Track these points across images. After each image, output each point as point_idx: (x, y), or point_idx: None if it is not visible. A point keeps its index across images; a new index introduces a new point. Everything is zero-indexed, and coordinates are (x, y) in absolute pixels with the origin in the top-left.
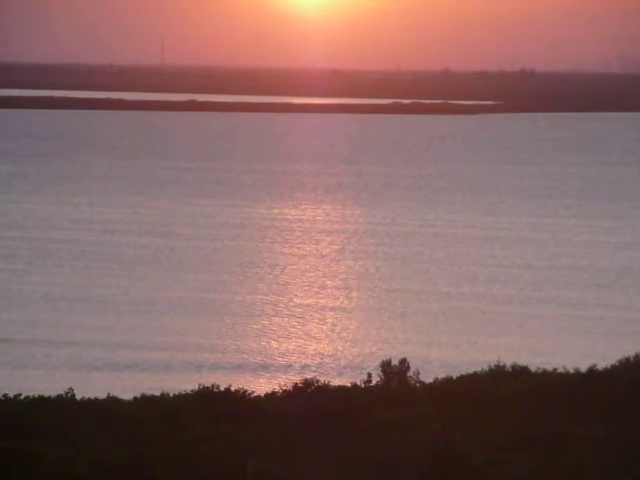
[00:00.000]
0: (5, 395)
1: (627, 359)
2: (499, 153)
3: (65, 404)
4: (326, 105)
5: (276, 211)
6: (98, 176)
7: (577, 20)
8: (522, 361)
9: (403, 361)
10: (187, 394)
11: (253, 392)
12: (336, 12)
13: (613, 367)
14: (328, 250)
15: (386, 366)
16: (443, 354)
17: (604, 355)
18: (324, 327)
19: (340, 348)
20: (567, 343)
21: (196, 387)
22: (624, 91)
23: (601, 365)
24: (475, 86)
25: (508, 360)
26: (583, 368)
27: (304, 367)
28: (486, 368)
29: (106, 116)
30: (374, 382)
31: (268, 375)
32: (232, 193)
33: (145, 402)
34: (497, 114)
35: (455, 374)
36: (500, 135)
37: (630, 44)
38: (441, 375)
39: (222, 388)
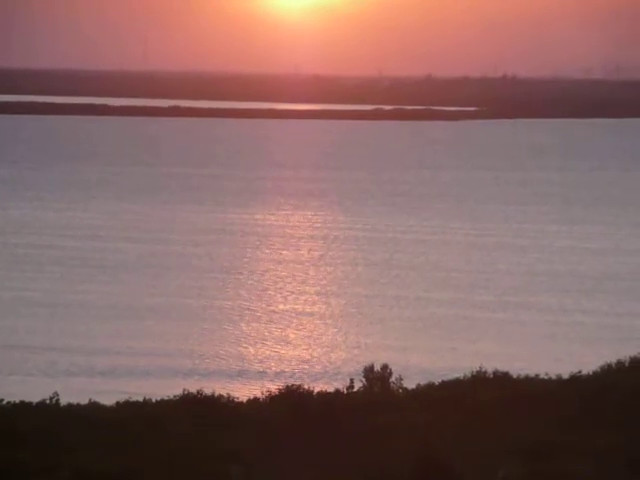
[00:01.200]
0: None
1: (609, 365)
2: (480, 159)
3: (48, 410)
4: (308, 111)
5: (258, 217)
6: (79, 182)
7: (560, 26)
8: (502, 367)
9: (385, 367)
10: (170, 400)
11: (236, 398)
12: (318, 17)
13: (595, 373)
14: (308, 256)
15: (368, 372)
16: (423, 360)
17: (584, 361)
18: (304, 333)
19: (321, 354)
20: (547, 349)
21: (179, 392)
22: (607, 97)
23: (583, 371)
24: (457, 92)
25: (489, 366)
26: (564, 374)
27: (286, 373)
28: (468, 374)
29: (89, 121)
30: (356, 388)
31: (250, 381)
32: (214, 199)
33: (128, 407)
34: (479, 120)
35: (437, 380)
36: (482, 141)
37: (613, 51)
38: (423, 381)
39: (206, 394)
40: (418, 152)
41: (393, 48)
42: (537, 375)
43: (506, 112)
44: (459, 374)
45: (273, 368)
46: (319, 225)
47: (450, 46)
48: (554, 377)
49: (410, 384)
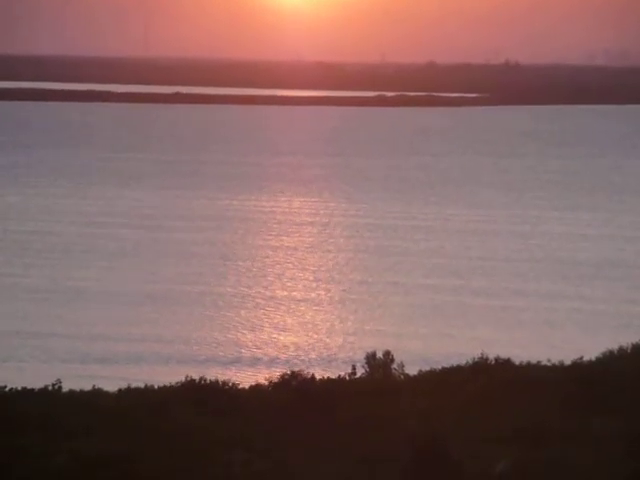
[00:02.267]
0: None
1: (611, 351)
2: (481, 146)
3: (50, 396)
4: (311, 97)
5: (257, 203)
6: (78, 168)
7: (562, 12)
8: (503, 353)
9: (387, 353)
10: (172, 386)
11: (239, 384)
12: (321, 4)
13: (597, 359)
14: (308, 242)
15: (370, 358)
16: (423, 346)
17: (585, 348)
18: (304, 319)
19: (321, 340)
20: (546, 335)
21: (180, 379)
22: (609, 84)
23: (584, 358)
24: (460, 78)
25: (489, 352)
26: (564, 360)
27: (287, 359)
28: (470, 360)
29: (90, 108)
30: (358, 374)
31: (251, 367)
32: (214, 185)
33: (130, 394)
34: (481, 106)
35: (437, 367)
36: (483, 127)
37: (615, 37)
38: (423, 367)
39: (208, 380)
40: (420, 138)
41: (396, 35)
42: (539, 362)
43: (508, 98)
44: (460, 360)
45: (274, 354)
46: (319, 212)
47: (452, 33)
48: (556, 363)
49: (411, 370)
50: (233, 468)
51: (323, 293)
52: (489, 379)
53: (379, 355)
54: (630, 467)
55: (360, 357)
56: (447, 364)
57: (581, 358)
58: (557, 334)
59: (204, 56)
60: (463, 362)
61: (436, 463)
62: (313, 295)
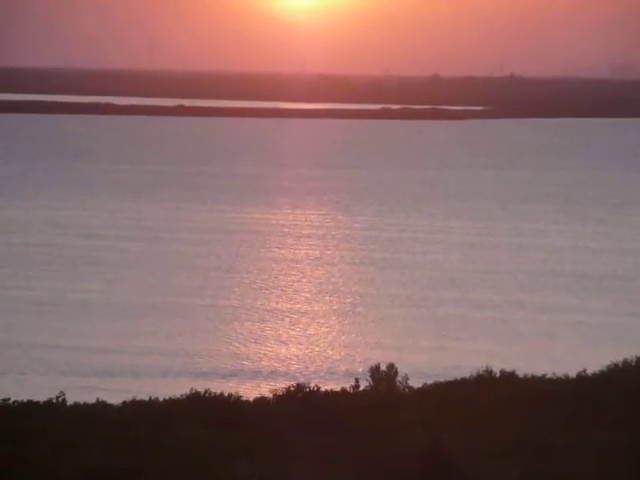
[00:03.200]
0: None
1: (616, 365)
2: (484, 158)
3: (54, 408)
4: (314, 110)
5: (259, 215)
6: (81, 180)
7: (567, 25)
8: (506, 366)
9: (391, 366)
10: (177, 399)
11: (244, 397)
12: (325, 16)
13: (602, 373)
14: (309, 255)
15: (374, 371)
16: (426, 359)
17: (587, 361)
18: (307, 332)
19: (324, 353)
20: (548, 348)
21: (185, 392)
22: (613, 97)
23: (588, 371)
24: (464, 91)
25: (492, 365)
26: (568, 373)
27: (290, 372)
28: (474, 373)
29: (94, 120)
30: (362, 387)
31: (253, 380)
32: (216, 197)
33: (135, 407)
34: (486, 119)
35: (440, 379)
36: (487, 140)
37: (621, 50)
38: (425, 380)
39: (213, 393)
40: (422, 151)
41: (400, 47)
42: (543, 375)
43: (512, 111)
44: (463, 373)
45: (277, 367)
46: (321, 224)
47: (457, 46)
48: (561, 377)
49: (415, 383)
50: None
51: (325, 306)
52: (494, 392)
53: (383, 368)
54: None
55: (363, 370)
56: (450, 377)
57: (585, 371)
58: (559, 347)
59: (208, 69)
60: (467, 375)
61: (442, 474)
62: (316, 308)
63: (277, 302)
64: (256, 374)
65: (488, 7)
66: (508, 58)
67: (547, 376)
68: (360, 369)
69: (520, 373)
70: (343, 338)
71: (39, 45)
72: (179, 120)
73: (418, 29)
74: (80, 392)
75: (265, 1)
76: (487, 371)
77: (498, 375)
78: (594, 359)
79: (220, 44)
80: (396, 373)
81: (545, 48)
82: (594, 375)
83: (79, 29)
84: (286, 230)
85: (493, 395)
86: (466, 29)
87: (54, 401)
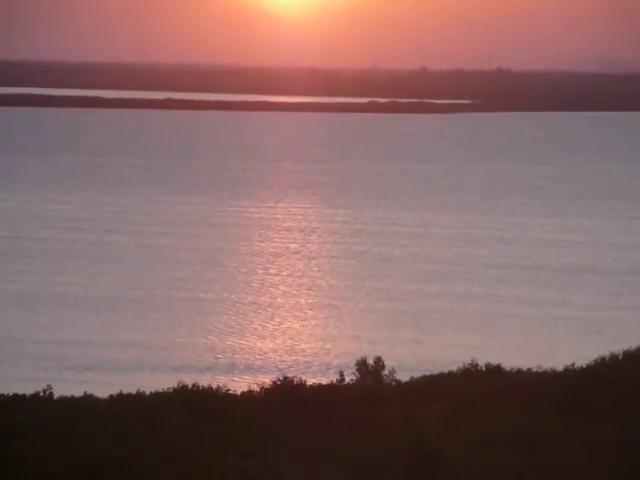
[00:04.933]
0: None
1: (602, 358)
2: (469, 152)
3: (42, 402)
4: (302, 103)
5: (243, 209)
6: (66, 173)
7: (553, 19)
8: (491, 360)
9: (378, 360)
10: (165, 392)
11: (231, 390)
12: (314, 10)
13: (589, 366)
14: (295, 248)
15: (362, 365)
16: (408, 352)
17: (568, 354)
18: (292, 325)
19: (309, 347)
20: (532, 341)
21: (172, 385)
22: (600, 90)
23: (575, 365)
24: (452, 85)
25: (477, 358)
26: (552, 366)
27: (276, 365)
28: (460, 367)
29: (81, 113)
30: (348, 380)
31: (240, 374)
32: (200, 191)
33: (123, 400)
34: (473, 113)
35: (424, 373)
36: (474, 134)
37: (607, 43)
38: (412, 373)
39: (201, 386)
40: (410, 145)
41: (388, 41)
42: (529, 368)
43: (500, 105)
44: (446, 367)
45: (262, 360)
46: (303, 217)
47: (444, 39)
48: (547, 370)
49: (400, 377)
50: (226, 472)
51: (310, 299)
52: (480, 386)
53: (370, 361)
54: (624, 473)
55: (345, 362)
56: (435, 370)
57: (572, 365)
58: (541, 340)
59: (198, 62)
60: (452, 368)
61: (428, 467)
62: (300, 301)
63: (259, 296)
64: (240, 367)
65: (475, 0)
66: (496, 51)
67: (533, 369)
68: (341, 362)
69: (506, 366)
70: (324, 331)
71: (24, 38)
72: (167, 113)
73: (406, 22)
74: (67, 385)
75: None
76: (473, 365)
77: (484, 369)
78: (574, 352)
79: (209, 37)
80: (383, 367)
81: (532, 41)
82: (581, 369)
83: (66, 22)
84: (268, 223)
85: (478, 388)
86: (454, 22)
87: (41, 394)
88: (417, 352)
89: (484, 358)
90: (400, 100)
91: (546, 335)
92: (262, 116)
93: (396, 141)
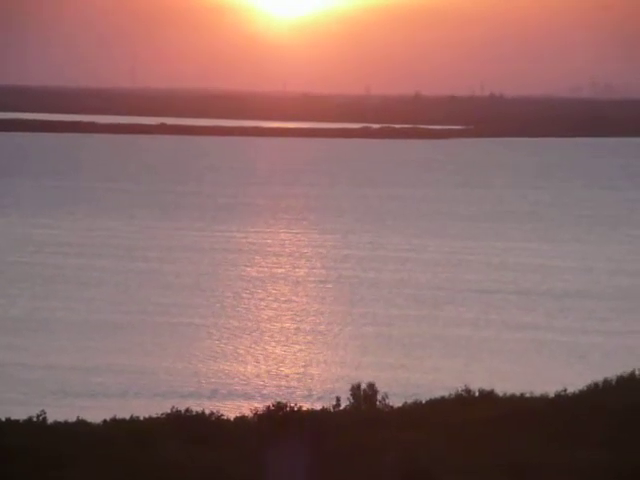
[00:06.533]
0: None
1: (596, 384)
2: (460, 177)
3: (35, 427)
4: (296, 129)
5: (231, 234)
6: (57, 198)
7: (548, 45)
8: (481, 384)
9: (371, 385)
10: (158, 417)
11: (224, 415)
12: (307, 35)
13: (582, 392)
14: (282, 273)
15: (355, 390)
16: (396, 378)
17: (564, 380)
18: (282, 351)
19: (301, 372)
20: (523, 368)
21: (166, 410)
22: (594, 116)
23: (568, 390)
24: (445, 110)
25: (468, 383)
26: (545, 392)
27: (268, 391)
28: (453, 393)
29: (75, 139)
30: (343, 406)
31: (231, 399)
32: (190, 216)
33: (117, 425)
34: (466, 139)
35: (412, 397)
36: (465, 160)
37: (601, 69)
38: (401, 399)
39: (194, 412)
40: (401, 170)
41: (381, 66)
42: (522, 394)
43: (493, 131)
44: (435, 392)
45: (244, 385)
46: (294, 242)
47: (437, 65)
48: (538, 396)
49: (393, 402)
50: None
51: (299, 325)
52: (474, 412)
53: (363, 387)
54: None
55: (341, 388)
56: (421, 395)
57: (565, 390)
58: (534, 365)
59: (190, 87)
60: (440, 393)
61: None
62: (290, 326)
63: (246, 321)
64: (233, 393)
65: (469, 27)
66: (489, 77)
67: (525, 395)
68: (340, 387)
69: (499, 392)
70: (309, 356)
71: (19, 63)
72: (161, 138)
73: (399, 48)
74: (58, 410)
75: (247, 21)
76: (466, 390)
77: (477, 394)
78: (561, 377)
79: (202, 63)
80: (376, 392)
81: (526, 68)
82: (574, 395)
83: (60, 48)
84: (256, 248)
85: (472, 414)
86: (447, 48)
87: (34, 419)
88: (403, 377)
89: (472, 383)
90: (393, 125)
91: (533, 360)
92: (255, 141)
93: (387, 166)
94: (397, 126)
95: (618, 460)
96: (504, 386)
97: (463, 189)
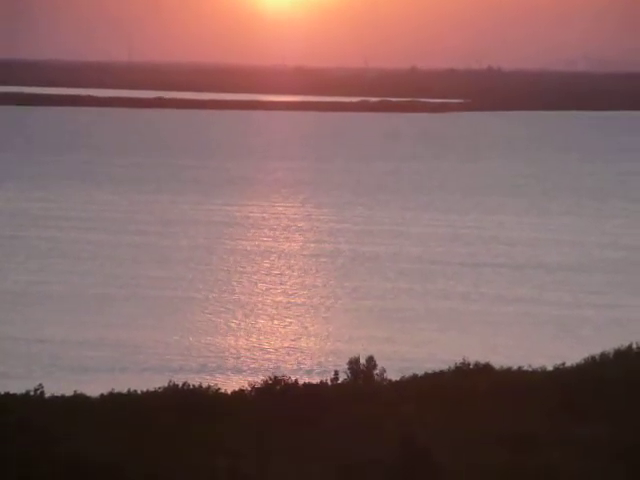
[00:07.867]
0: None
1: (593, 357)
2: (456, 151)
3: (33, 401)
4: (294, 103)
5: (227, 207)
6: (55, 172)
7: (544, 19)
8: (479, 357)
9: (370, 359)
10: (155, 391)
11: (222, 390)
12: (305, 9)
13: (579, 365)
14: (279, 247)
15: (354, 364)
16: (399, 351)
17: (556, 353)
18: (280, 325)
19: (299, 345)
20: (516, 341)
21: (163, 384)
22: (590, 89)
23: (566, 363)
24: (442, 84)
25: (465, 356)
26: (541, 365)
27: (266, 365)
28: (451, 366)
29: (73, 112)
30: (341, 380)
31: (229, 373)
32: (185, 189)
33: (114, 399)
34: (464, 112)
35: (417, 372)
36: (464, 133)
37: (596, 43)
38: (402, 373)
39: (192, 385)
40: (397, 143)
41: (378, 40)
42: (520, 367)
43: (491, 104)
44: (441, 365)
45: (252, 360)
46: (288, 216)
47: (435, 38)
48: (537, 369)
49: (390, 376)
50: (218, 473)
51: (296, 298)
52: (471, 385)
53: (362, 361)
54: (618, 473)
55: (339, 362)
56: (427, 370)
57: (563, 364)
58: (531, 339)
59: (188, 61)
60: (444, 367)
61: (420, 467)
62: (287, 300)
63: (243, 295)
64: (232, 367)
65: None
66: (486, 51)
67: (523, 368)
68: (337, 361)
69: (495, 365)
70: (316, 330)
71: (17, 38)
72: (158, 112)
73: (397, 21)
74: (56, 384)
75: None
76: (464, 363)
77: (472, 367)
78: (553, 351)
79: (200, 36)
80: (375, 366)
81: (522, 41)
82: (571, 368)
83: (58, 22)
84: (251, 222)
85: (468, 387)
86: (444, 21)
87: (32, 394)
88: (397, 350)
89: (471, 355)
90: (391, 99)
91: (525, 333)
92: (252, 115)
93: (384, 140)
94: (395, 99)
95: (621, 433)
96: (497, 359)
97: (459, 163)
